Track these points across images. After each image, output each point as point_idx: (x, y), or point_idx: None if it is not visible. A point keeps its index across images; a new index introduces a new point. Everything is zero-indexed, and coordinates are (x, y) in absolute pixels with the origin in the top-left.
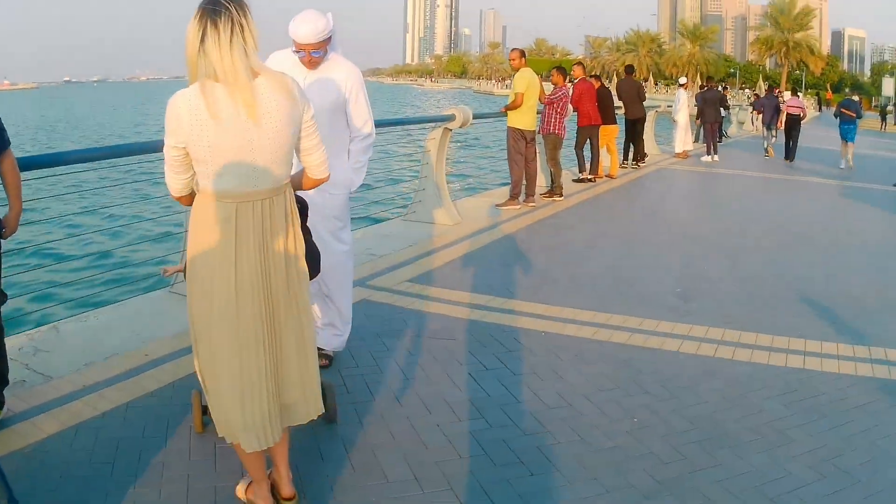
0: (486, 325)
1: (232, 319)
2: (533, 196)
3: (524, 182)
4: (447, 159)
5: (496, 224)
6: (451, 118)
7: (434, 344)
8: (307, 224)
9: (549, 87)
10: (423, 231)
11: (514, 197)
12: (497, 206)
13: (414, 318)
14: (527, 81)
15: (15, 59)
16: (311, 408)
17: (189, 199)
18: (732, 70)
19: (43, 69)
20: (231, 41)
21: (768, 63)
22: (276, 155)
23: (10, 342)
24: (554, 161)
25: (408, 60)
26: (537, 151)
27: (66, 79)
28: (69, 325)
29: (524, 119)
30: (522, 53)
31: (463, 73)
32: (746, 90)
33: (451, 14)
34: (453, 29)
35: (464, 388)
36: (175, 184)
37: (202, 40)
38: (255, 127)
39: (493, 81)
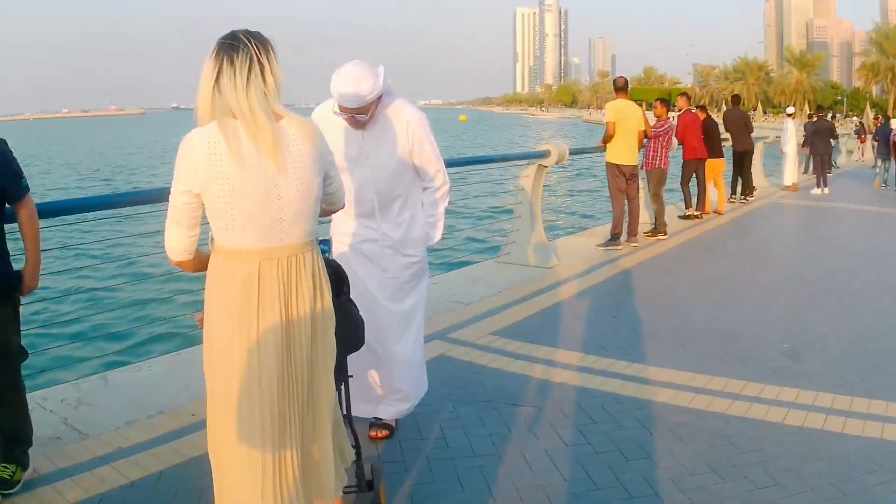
0: (572, 388)
1: (251, 396)
2: (635, 236)
3: (626, 221)
4: (549, 195)
5: (594, 267)
6: (545, 154)
7: (512, 413)
8: (350, 296)
9: (653, 119)
10: (515, 275)
11: (614, 237)
12: (597, 246)
13: (494, 379)
14: (616, 111)
15: (122, 85)
16: (324, 490)
17: (193, 264)
18: (839, 97)
19: (151, 95)
20: (248, 80)
21: (874, 90)
22: (305, 205)
23: (55, 392)
24: (657, 197)
25: (518, 89)
26: (640, 188)
27: (174, 105)
28: (119, 376)
29: (621, 153)
30: (620, 83)
31: (573, 103)
32: (854, 118)
33: (561, 44)
34: (563, 58)
35: (538, 470)
36: (179, 243)
37: (217, 78)
38: (280, 174)
39: (604, 111)
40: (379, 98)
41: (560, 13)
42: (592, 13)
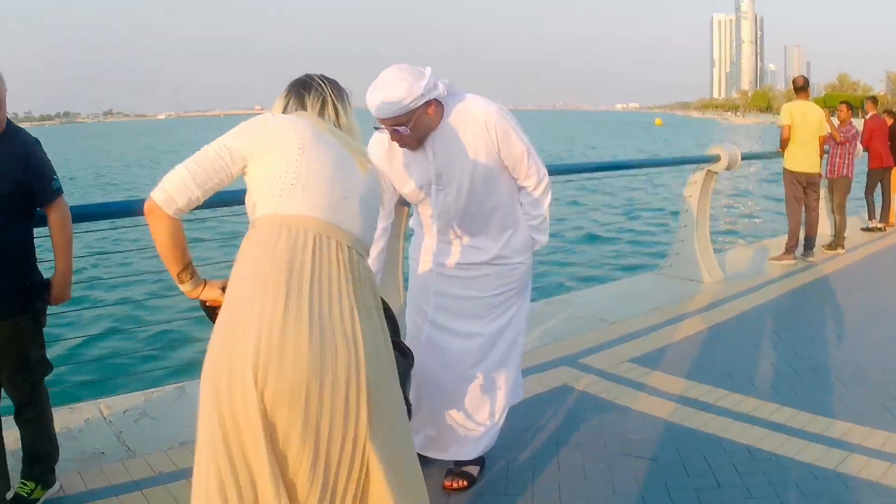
0: (703, 436)
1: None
2: (811, 250)
3: (802, 233)
4: (731, 199)
5: (764, 283)
6: (714, 159)
7: (624, 464)
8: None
9: (836, 124)
10: (674, 290)
11: (789, 250)
12: (770, 260)
13: (614, 421)
14: (792, 113)
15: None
16: None
17: (169, 228)
18: None
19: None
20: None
21: None
22: (369, 207)
23: (123, 400)
24: (841, 208)
25: (714, 95)
26: (820, 197)
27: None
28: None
29: (799, 159)
30: (799, 82)
31: (768, 108)
32: None
33: (757, 50)
34: (759, 64)
35: None
36: (180, 190)
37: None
38: (360, 171)
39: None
40: (430, 104)
41: (756, 20)
42: (788, 20)
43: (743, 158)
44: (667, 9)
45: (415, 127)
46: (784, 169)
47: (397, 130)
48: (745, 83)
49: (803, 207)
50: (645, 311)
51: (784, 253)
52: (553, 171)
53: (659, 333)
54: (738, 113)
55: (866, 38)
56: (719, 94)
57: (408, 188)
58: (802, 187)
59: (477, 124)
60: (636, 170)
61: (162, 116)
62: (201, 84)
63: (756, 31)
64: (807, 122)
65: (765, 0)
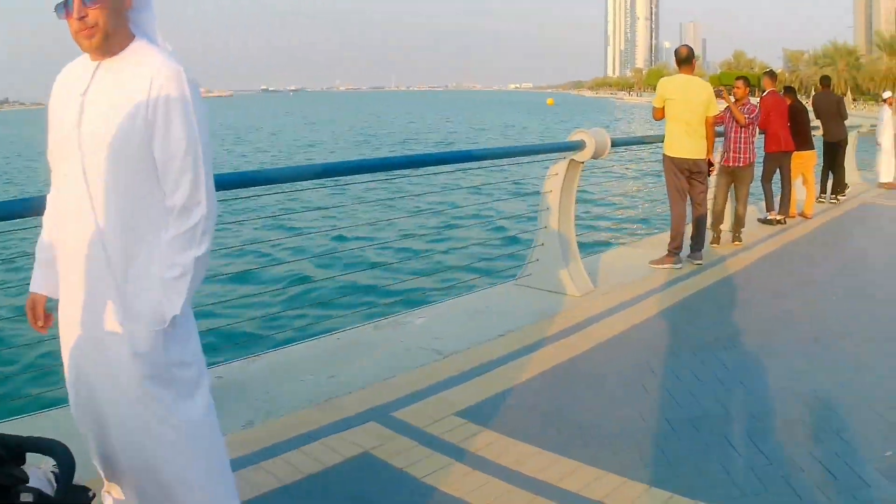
0: None
1: None
2: (700, 251)
3: (691, 231)
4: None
5: (643, 296)
6: (578, 146)
7: None
8: None
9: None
10: (532, 306)
11: (671, 253)
12: (651, 264)
13: None
14: (668, 90)
15: (212, 67)
16: None
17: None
18: None
19: (240, 77)
20: None
21: None
22: None
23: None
24: (745, 201)
25: (608, 73)
26: (707, 188)
27: (263, 87)
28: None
29: (680, 143)
30: (682, 53)
31: None
32: None
33: (652, 27)
34: (653, 42)
35: None
36: None
37: None
38: None
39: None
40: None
41: None
42: None
43: (615, 145)
44: None
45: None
46: (664, 155)
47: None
48: (640, 61)
49: (688, 201)
50: (492, 336)
51: (666, 256)
52: (378, 165)
53: (504, 370)
54: (631, 92)
55: (764, 17)
56: (613, 73)
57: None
58: (686, 177)
59: (142, 75)
60: (481, 162)
61: None
62: None
63: (651, 8)
64: (688, 99)
65: None
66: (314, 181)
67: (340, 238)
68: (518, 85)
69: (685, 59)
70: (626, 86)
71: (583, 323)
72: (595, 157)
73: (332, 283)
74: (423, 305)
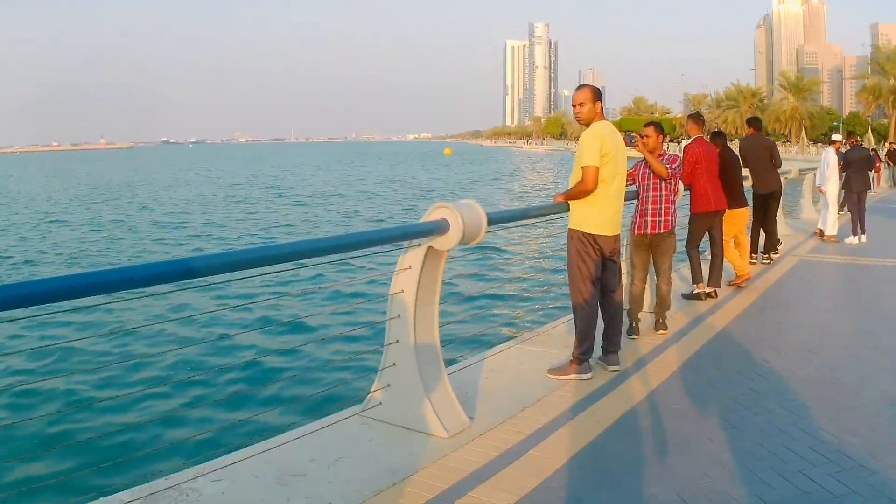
0: None
1: None
2: (616, 353)
3: (603, 328)
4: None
5: (538, 432)
6: (438, 228)
7: None
8: None
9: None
10: (378, 457)
11: (578, 359)
12: (549, 374)
13: None
14: (605, 140)
15: (112, 119)
16: None
17: None
18: (835, 122)
19: (140, 129)
20: None
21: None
22: None
23: None
24: (667, 277)
25: (508, 122)
26: (622, 269)
27: (164, 139)
28: None
29: (603, 216)
30: (590, 92)
31: (561, 135)
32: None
33: (550, 75)
34: (553, 90)
35: None
36: None
37: None
38: None
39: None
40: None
41: (550, 45)
42: (582, 44)
43: (494, 222)
44: (461, 38)
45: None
46: (573, 231)
47: None
48: (539, 109)
49: (598, 289)
50: None
51: (570, 363)
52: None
53: None
54: (529, 140)
55: (662, 62)
56: (512, 122)
57: None
58: (603, 256)
59: None
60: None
61: None
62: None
63: (550, 57)
64: (619, 155)
65: (559, 26)
66: None
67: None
68: (417, 135)
69: (594, 99)
70: (524, 134)
71: (452, 491)
72: (465, 242)
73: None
74: (219, 458)
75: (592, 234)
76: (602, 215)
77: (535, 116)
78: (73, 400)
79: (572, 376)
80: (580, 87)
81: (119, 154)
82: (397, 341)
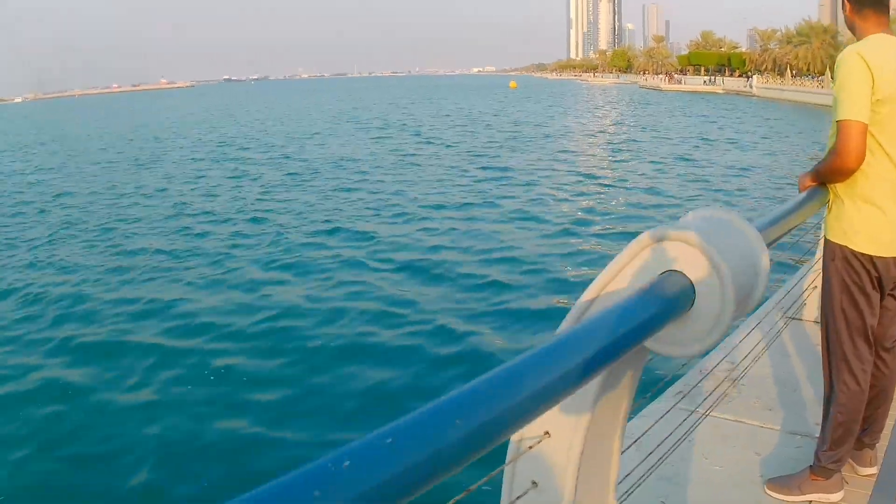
0: None
1: None
2: (872, 446)
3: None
4: None
5: None
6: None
7: None
8: None
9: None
10: None
11: (825, 469)
12: (769, 490)
13: None
14: (870, 72)
15: (173, 58)
16: None
17: None
18: None
19: (200, 68)
20: None
21: None
22: None
23: None
24: None
25: (572, 55)
26: None
27: (226, 77)
28: None
29: (877, 212)
30: None
31: (628, 68)
32: None
33: (615, 9)
34: (617, 24)
35: None
36: None
37: None
38: None
39: (662, 76)
40: None
41: None
42: None
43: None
44: None
45: None
46: (836, 246)
47: None
48: (604, 43)
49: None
50: None
51: (811, 476)
52: None
53: None
54: (595, 73)
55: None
56: (577, 55)
57: None
58: (880, 293)
59: None
60: None
61: (19, 100)
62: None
63: None
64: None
65: None
66: None
67: None
68: (481, 68)
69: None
70: (590, 67)
71: None
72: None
73: None
74: None
75: (870, 255)
76: (883, 216)
77: (600, 49)
78: None
79: (812, 497)
80: None
81: (182, 92)
82: None
